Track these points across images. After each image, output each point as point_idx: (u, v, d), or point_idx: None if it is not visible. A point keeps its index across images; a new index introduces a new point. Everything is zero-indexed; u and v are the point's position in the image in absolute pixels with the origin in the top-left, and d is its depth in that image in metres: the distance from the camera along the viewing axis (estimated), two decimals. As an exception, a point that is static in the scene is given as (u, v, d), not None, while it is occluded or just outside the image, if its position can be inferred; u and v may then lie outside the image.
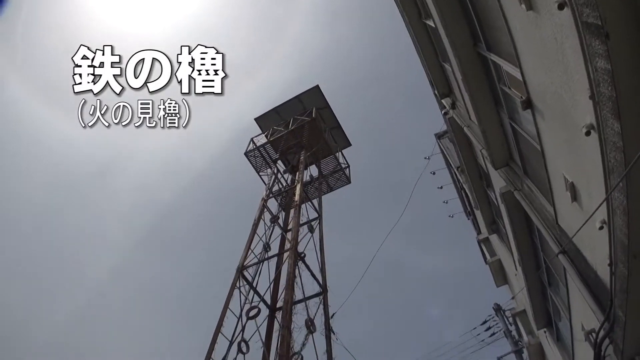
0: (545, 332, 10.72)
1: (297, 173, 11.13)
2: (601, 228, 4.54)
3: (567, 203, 5.55)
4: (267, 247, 10.51)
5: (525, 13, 4.40)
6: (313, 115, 12.84)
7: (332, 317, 9.22)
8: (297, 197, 10.32)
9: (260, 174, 12.86)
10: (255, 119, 13.51)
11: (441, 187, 21.42)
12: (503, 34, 5.85)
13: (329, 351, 7.56)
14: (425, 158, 20.92)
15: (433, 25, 9.41)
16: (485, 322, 19.42)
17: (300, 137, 11.98)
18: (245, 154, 13.34)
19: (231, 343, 8.48)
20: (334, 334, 6.93)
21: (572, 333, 7.86)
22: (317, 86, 14.02)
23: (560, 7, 3.32)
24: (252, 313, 8.76)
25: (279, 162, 12.12)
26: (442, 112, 12.96)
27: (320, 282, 8.35)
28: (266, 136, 12.75)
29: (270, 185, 11.59)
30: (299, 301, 8.57)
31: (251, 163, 12.67)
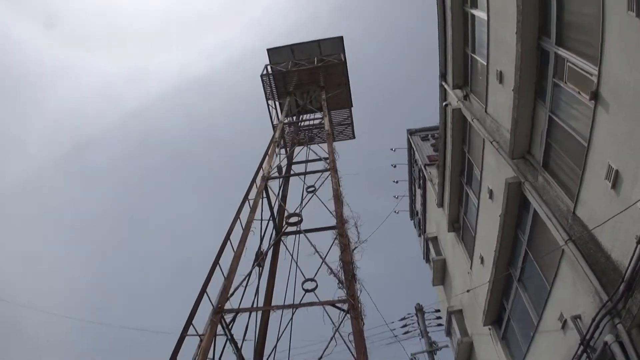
0: (490, 329, 11.98)
1: (323, 106, 11.51)
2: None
3: (599, 191, 6.54)
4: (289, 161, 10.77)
5: (631, 19, 5.24)
6: (343, 59, 13.35)
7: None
8: (327, 127, 10.71)
9: (269, 101, 13.09)
10: (268, 50, 13.61)
11: (397, 182, 22.70)
12: (584, 33, 6.74)
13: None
14: (392, 150, 22.11)
15: (482, 16, 10.24)
16: (404, 318, 20.91)
17: (318, 78, 12.43)
18: (261, 76, 13.43)
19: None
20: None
21: (537, 326, 8.99)
22: (341, 37, 14.30)
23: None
24: (293, 219, 8.83)
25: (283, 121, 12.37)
26: (443, 104, 13.93)
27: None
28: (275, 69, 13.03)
29: (287, 109, 11.82)
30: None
31: (264, 88, 12.84)
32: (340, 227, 7.90)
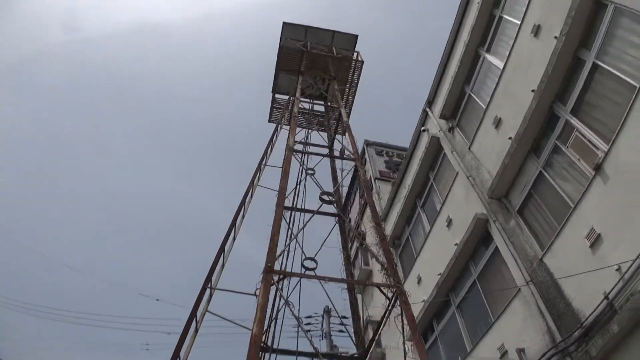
0: (412, 345, 13.14)
1: (337, 97, 11.95)
2: (617, 269, 6.74)
3: (575, 248, 7.78)
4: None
5: None
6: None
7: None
8: (345, 118, 11.16)
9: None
10: (284, 23, 13.80)
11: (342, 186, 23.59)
12: (603, 113, 7.94)
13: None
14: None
15: (496, 64, 11.41)
16: (309, 317, 21.84)
17: (328, 67, 12.96)
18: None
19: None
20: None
21: (471, 351, 10.21)
22: (356, 36, 14.97)
23: None
24: (327, 197, 8.99)
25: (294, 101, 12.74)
26: (422, 128, 15.07)
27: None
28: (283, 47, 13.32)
29: (300, 85, 12.13)
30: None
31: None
32: (376, 217, 8.52)
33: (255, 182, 9.03)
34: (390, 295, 7.17)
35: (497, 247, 10.04)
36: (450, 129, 13.22)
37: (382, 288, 7.27)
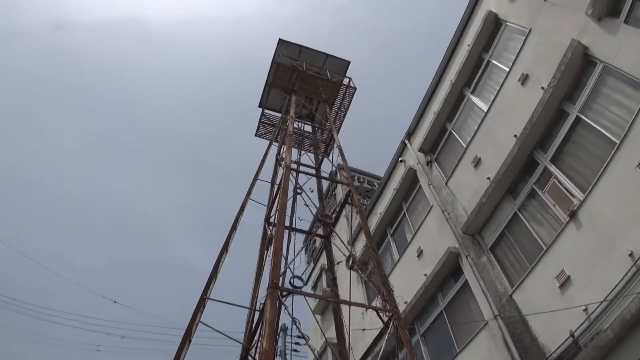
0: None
1: (330, 120, 12.25)
2: (584, 310, 7.27)
3: (544, 287, 8.31)
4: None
5: (636, 173, 7.09)
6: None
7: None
8: (338, 142, 11.36)
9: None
10: (280, 40, 14.10)
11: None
12: (582, 165, 8.56)
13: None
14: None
15: (480, 105, 12.08)
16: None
17: (318, 89, 13.42)
18: (256, 135, 14.91)
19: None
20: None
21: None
22: (348, 62, 15.38)
23: None
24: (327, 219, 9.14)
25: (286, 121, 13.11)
26: (399, 159, 15.61)
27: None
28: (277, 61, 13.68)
29: (280, 132, 12.42)
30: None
31: (267, 139, 13.76)
32: (371, 243, 8.78)
33: (247, 197, 9.19)
34: (385, 319, 7.40)
35: (467, 280, 10.51)
36: (429, 163, 13.78)
37: (379, 312, 7.50)
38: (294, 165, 10.24)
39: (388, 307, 7.33)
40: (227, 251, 8.16)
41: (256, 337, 7.27)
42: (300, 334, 7.13)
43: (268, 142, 12.88)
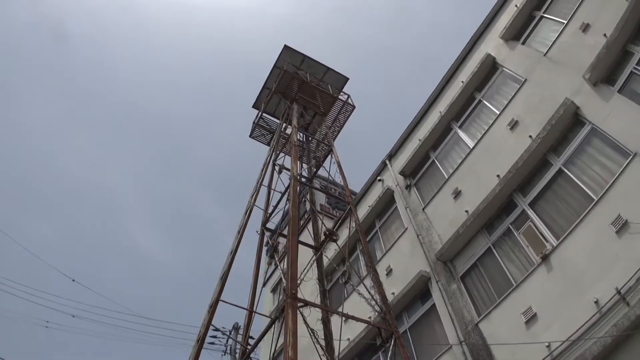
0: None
1: (328, 135, 12.64)
2: (547, 346, 8.03)
3: (511, 320, 9.07)
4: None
5: (609, 230, 7.93)
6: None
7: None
8: (337, 159, 11.78)
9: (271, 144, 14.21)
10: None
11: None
12: (559, 214, 9.38)
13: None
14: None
15: (467, 141, 12.87)
16: (217, 329, 21.89)
17: (289, 94, 14.06)
18: (250, 136, 15.29)
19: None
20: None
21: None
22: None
23: None
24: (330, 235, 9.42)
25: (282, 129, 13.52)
26: (377, 178, 16.26)
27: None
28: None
29: (278, 140, 12.73)
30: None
31: (260, 142, 14.19)
32: (371, 266, 9.24)
33: (252, 203, 9.54)
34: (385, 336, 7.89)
35: (434, 304, 11.20)
36: (408, 187, 14.47)
37: (380, 329, 7.98)
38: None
39: (388, 326, 7.81)
40: (235, 254, 8.48)
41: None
42: (322, 348, 7.44)
43: (257, 142, 13.26)
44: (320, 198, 21.17)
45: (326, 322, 9.71)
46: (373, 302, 8.54)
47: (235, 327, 21.74)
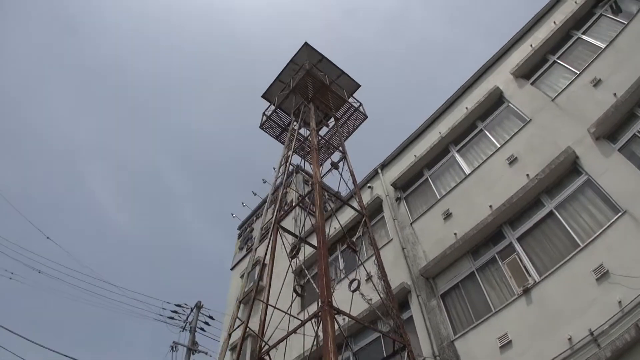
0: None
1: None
2: (517, 375, 8.91)
3: (486, 343, 9.91)
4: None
5: (590, 276, 8.81)
6: (307, 67, 14.91)
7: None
8: (350, 167, 12.25)
9: (280, 138, 14.41)
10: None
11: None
12: (545, 253, 10.25)
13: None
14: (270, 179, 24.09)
15: (464, 167, 13.67)
16: (179, 305, 22.23)
17: (306, 93, 14.24)
18: (260, 127, 15.35)
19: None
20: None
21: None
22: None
23: None
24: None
25: (295, 128, 13.84)
26: (367, 184, 16.94)
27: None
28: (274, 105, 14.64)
29: (292, 140, 13.07)
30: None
31: (269, 134, 14.51)
32: (384, 275, 9.87)
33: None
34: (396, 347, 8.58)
35: (412, 316, 11.98)
36: (398, 199, 15.21)
37: (393, 337, 8.66)
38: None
39: (399, 335, 8.49)
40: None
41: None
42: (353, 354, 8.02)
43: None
44: (304, 192, 21.72)
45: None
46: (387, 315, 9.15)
47: (198, 306, 22.15)
